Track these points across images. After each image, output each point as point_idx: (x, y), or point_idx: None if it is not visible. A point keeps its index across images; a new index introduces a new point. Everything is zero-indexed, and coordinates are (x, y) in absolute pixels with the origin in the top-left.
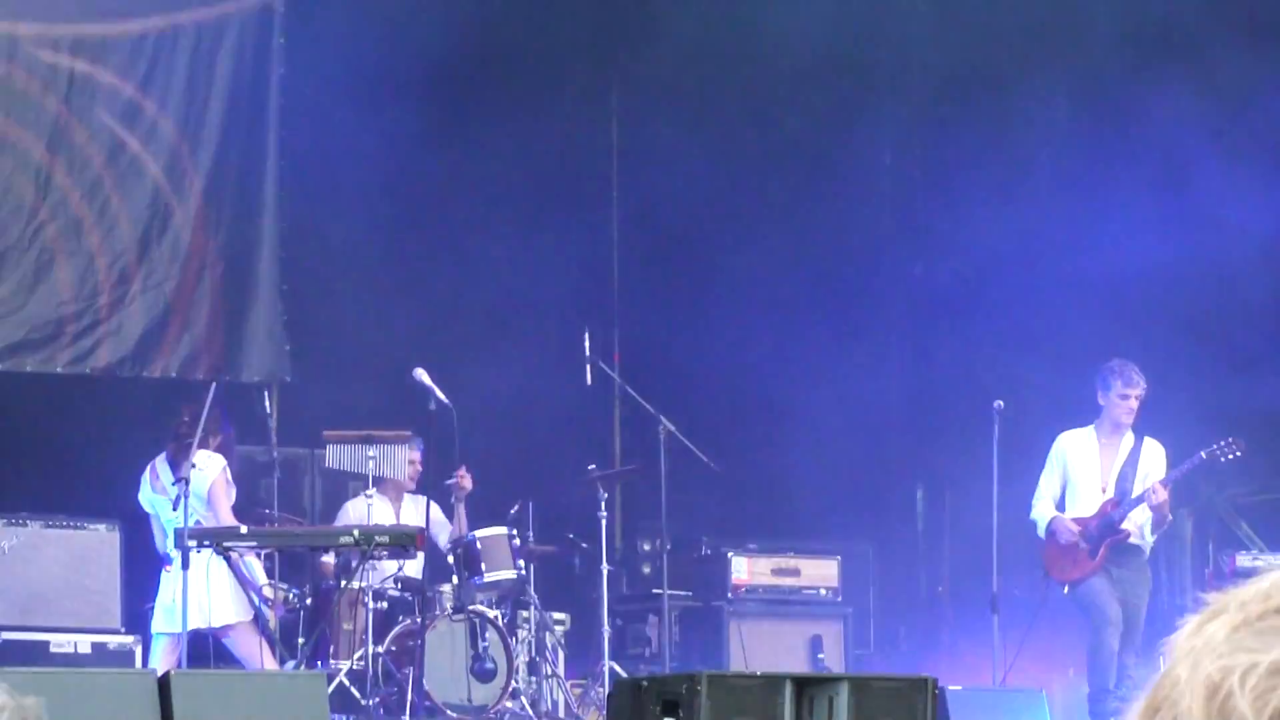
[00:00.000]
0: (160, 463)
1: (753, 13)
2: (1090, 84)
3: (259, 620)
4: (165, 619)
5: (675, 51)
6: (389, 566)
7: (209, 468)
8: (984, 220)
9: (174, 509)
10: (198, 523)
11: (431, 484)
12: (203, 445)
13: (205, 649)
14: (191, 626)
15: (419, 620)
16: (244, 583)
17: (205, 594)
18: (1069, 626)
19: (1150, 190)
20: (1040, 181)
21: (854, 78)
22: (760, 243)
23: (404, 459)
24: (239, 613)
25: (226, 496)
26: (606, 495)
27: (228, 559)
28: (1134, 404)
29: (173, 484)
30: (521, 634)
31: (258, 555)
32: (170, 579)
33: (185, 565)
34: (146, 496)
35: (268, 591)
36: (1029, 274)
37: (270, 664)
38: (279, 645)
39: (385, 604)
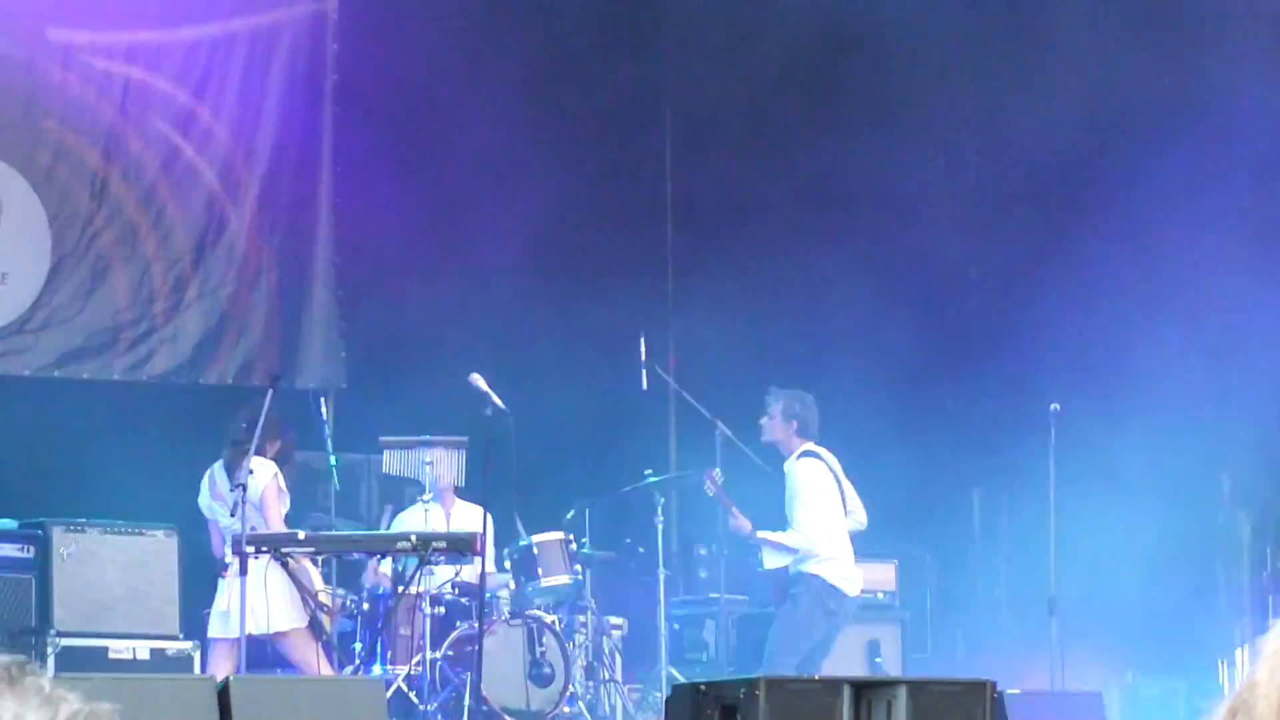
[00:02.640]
0: (218, 469)
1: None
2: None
3: (315, 626)
4: (221, 625)
5: (728, 54)
6: (445, 572)
7: (261, 474)
8: (1041, 224)
9: (231, 515)
10: (253, 529)
11: (487, 490)
12: (260, 452)
13: (263, 655)
14: (248, 632)
15: (476, 625)
16: (300, 588)
17: (262, 600)
18: (1127, 629)
19: (1215, 195)
20: (1098, 185)
21: (911, 85)
22: (813, 247)
23: (460, 464)
24: (295, 619)
25: (278, 503)
26: (663, 500)
27: (285, 565)
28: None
29: (230, 490)
30: (579, 639)
31: (314, 561)
32: (227, 585)
33: (243, 571)
34: (204, 503)
35: (324, 597)
36: (1087, 275)
37: (326, 670)
38: (336, 650)
39: (442, 609)
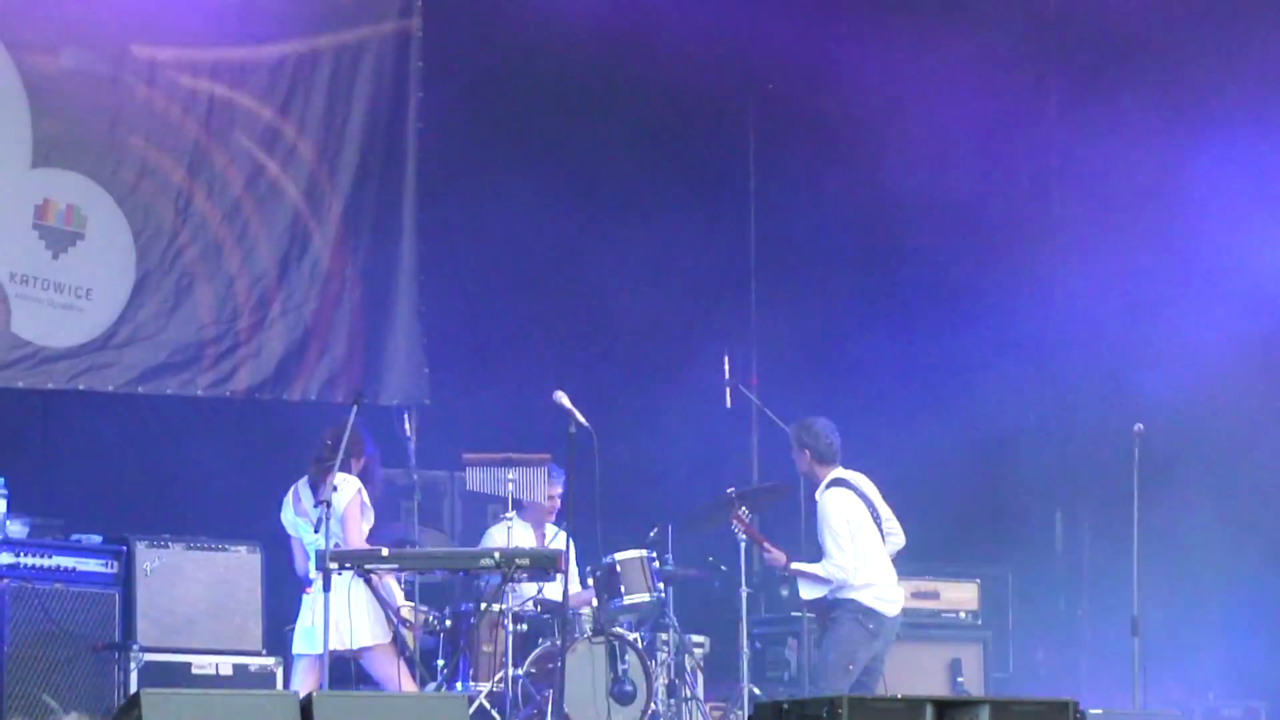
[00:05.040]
0: (302, 486)
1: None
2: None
3: (398, 643)
4: (305, 641)
5: (812, 81)
6: (528, 589)
7: (345, 489)
8: (1126, 242)
9: (315, 531)
10: (338, 545)
11: (570, 507)
12: (345, 468)
13: (346, 671)
14: (331, 648)
15: (559, 642)
16: (384, 605)
17: (345, 616)
18: (1210, 650)
19: None
20: (1185, 201)
21: (989, 109)
22: (895, 266)
23: (543, 482)
24: (378, 635)
25: (360, 518)
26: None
27: (368, 581)
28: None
29: (314, 506)
30: (661, 656)
31: (397, 578)
32: (311, 601)
33: (326, 587)
34: (289, 519)
35: (406, 614)
36: (1172, 295)
37: (410, 686)
38: (419, 667)
39: (525, 626)
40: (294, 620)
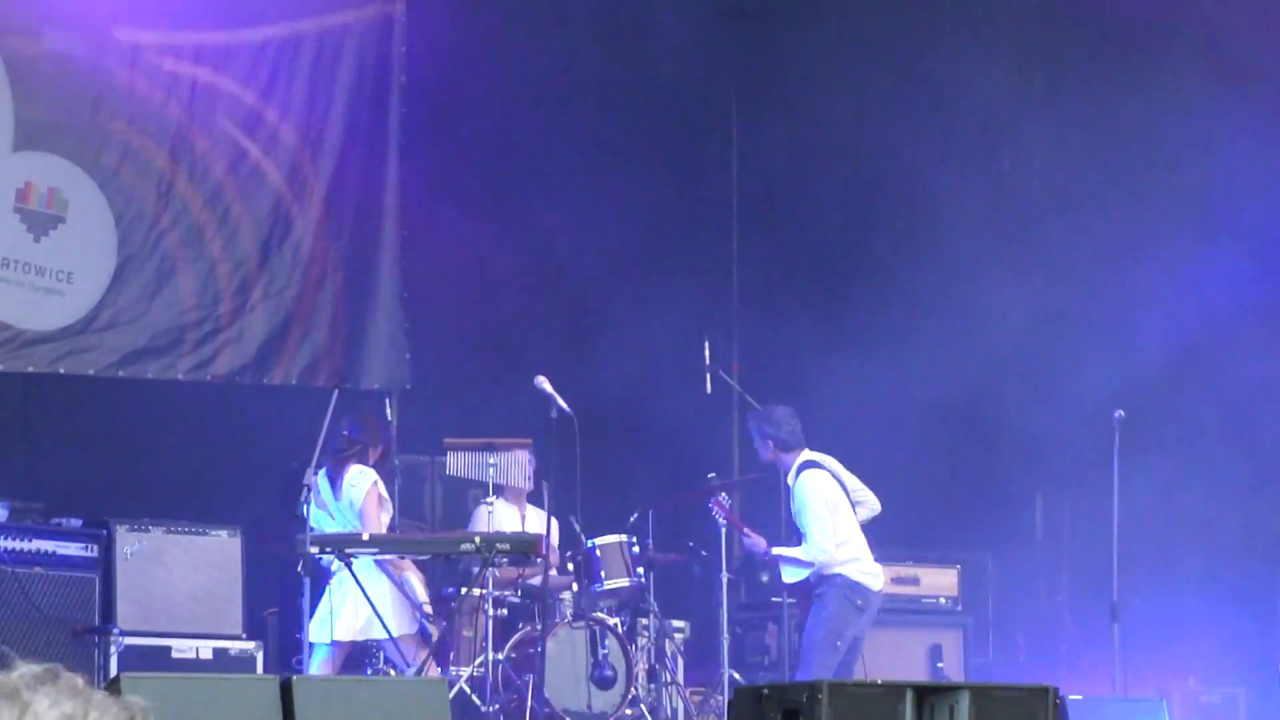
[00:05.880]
0: (320, 479)
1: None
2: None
3: (423, 636)
4: (320, 629)
5: (794, 58)
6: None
7: (360, 482)
8: (1102, 228)
9: (297, 514)
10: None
11: (552, 493)
12: (362, 459)
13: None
14: (350, 638)
15: (539, 627)
16: (406, 598)
17: (366, 605)
18: (1189, 636)
19: None
20: (1160, 187)
21: (964, 98)
22: (878, 250)
23: (524, 466)
24: (403, 626)
25: (379, 510)
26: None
27: (388, 573)
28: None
29: (334, 499)
30: (641, 641)
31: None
32: (333, 589)
33: (308, 575)
34: (310, 512)
35: (428, 609)
36: (1150, 282)
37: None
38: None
39: (505, 611)
40: (273, 604)
